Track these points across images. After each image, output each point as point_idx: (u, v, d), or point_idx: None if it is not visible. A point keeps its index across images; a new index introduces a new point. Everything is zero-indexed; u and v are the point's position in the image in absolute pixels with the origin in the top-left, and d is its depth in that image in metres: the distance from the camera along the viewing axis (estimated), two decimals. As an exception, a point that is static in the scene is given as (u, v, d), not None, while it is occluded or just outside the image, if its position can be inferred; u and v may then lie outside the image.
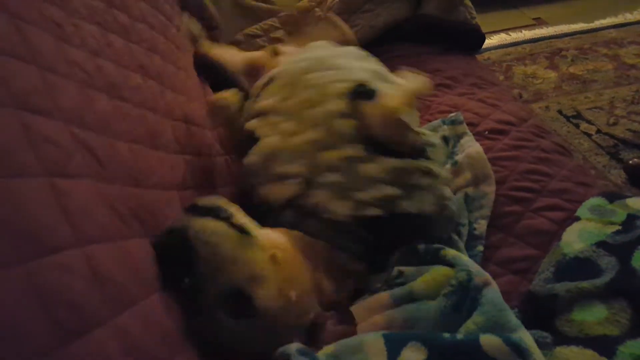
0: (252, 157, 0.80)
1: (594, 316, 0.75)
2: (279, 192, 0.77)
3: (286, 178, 0.76)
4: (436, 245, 0.79)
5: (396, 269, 0.77)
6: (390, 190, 0.75)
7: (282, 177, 0.77)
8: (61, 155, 0.51)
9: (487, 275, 0.71)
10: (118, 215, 0.56)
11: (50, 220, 0.45)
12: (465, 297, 0.68)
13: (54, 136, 0.51)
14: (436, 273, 0.73)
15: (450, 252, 0.77)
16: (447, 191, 0.87)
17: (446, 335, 0.63)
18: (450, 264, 0.75)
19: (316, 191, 0.75)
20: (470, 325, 0.64)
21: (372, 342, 0.61)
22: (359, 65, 0.87)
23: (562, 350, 0.71)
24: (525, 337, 0.62)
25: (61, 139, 0.52)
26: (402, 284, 0.75)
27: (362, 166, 0.75)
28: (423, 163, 0.79)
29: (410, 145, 0.79)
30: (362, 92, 0.78)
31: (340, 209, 0.74)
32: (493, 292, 0.67)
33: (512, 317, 0.65)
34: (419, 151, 0.81)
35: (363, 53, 0.93)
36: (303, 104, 0.79)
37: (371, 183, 0.75)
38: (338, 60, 0.85)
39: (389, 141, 0.77)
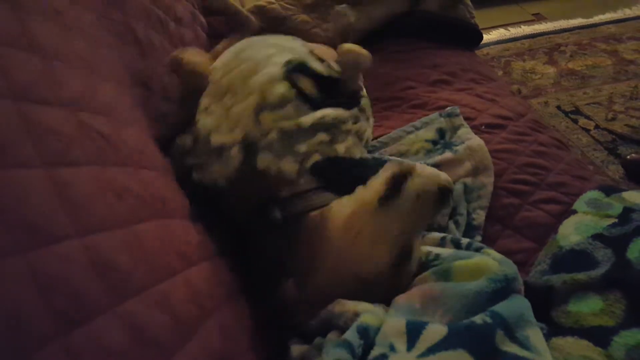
0: (186, 137, 0.81)
1: (589, 307, 0.75)
2: (219, 169, 0.78)
3: (224, 150, 0.78)
4: (479, 244, 0.81)
5: (433, 252, 0.78)
6: (324, 137, 0.81)
7: (220, 150, 0.78)
8: (63, 144, 0.51)
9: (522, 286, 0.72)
10: (125, 200, 0.55)
11: (49, 211, 0.46)
12: (506, 289, 0.68)
13: (56, 125, 0.51)
14: (480, 260, 0.73)
15: (493, 252, 0.77)
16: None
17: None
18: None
19: (260, 155, 0.77)
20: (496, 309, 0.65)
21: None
22: (290, 44, 0.92)
23: (557, 341, 0.72)
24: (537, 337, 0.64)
25: (64, 126, 0.52)
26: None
27: (298, 121, 0.79)
28: (354, 112, 0.88)
29: (355, 89, 0.88)
30: (296, 64, 0.84)
31: (288, 165, 0.77)
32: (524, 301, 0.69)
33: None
34: (356, 100, 0.91)
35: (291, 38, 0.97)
36: (239, 77, 0.82)
37: (308, 134, 0.80)
38: (269, 40, 0.91)
39: (346, 77, 0.87)
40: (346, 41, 0.97)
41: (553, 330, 0.74)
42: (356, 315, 0.65)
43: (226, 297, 0.67)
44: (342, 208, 0.74)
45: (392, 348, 0.60)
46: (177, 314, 0.54)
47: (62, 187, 0.48)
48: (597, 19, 2.82)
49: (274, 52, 0.85)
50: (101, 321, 0.45)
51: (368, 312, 0.65)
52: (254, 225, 0.81)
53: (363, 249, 0.70)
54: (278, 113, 0.78)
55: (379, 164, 0.88)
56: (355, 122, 0.88)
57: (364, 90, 0.99)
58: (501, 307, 0.64)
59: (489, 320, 0.62)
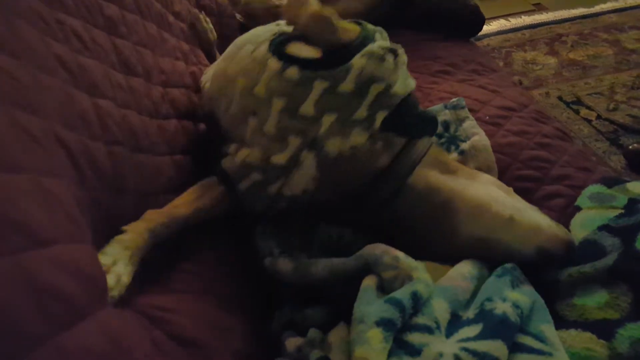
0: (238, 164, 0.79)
1: (594, 301, 0.75)
2: (300, 178, 0.77)
3: (293, 162, 0.76)
4: None
5: None
6: (378, 87, 0.75)
7: (290, 163, 0.76)
8: (44, 155, 0.51)
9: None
10: (92, 221, 0.56)
11: (39, 216, 0.46)
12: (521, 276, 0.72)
13: (40, 135, 0.51)
14: None
15: None
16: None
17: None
18: None
19: (327, 143, 0.75)
20: (514, 295, 0.67)
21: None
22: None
23: (560, 334, 0.71)
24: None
25: (45, 138, 0.52)
26: None
27: (337, 89, 0.74)
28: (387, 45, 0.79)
29: (340, 41, 0.77)
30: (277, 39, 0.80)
31: (357, 137, 0.75)
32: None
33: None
34: (364, 41, 0.79)
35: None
36: (244, 94, 0.79)
37: (356, 95, 0.74)
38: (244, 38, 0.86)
39: (320, 39, 0.76)
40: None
41: (557, 323, 0.73)
42: (410, 278, 0.66)
43: (209, 292, 0.68)
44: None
45: (437, 324, 0.62)
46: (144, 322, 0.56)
47: (47, 194, 0.48)
48: (598, 8, 2.81)
49: (251, 47, 0.81)
50: (85, 326, 0.45)
51: (423, 282, 0.66)
52: (349, 214, 0.79)
53: None
54: (311, 96, 0.73)
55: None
56: (393, 51, 0.78)
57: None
58: (520, 301, 0.66)
59: (514, 311, 0.64)
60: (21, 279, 0.41)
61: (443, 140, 1.08)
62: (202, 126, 0.92)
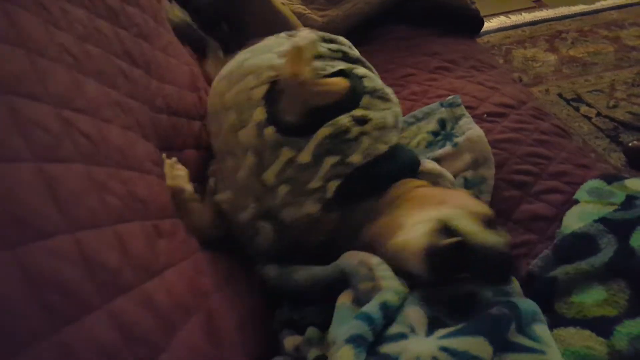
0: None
1: (592, 298, 0.75)
2: (261, 241, 0.78)
3: (253, 225, 0.78)
4: None
5: None
6: (332, 159, 0.74)
7: (251, 225, 0.78)
8: (51, 140, 0.50)
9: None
10: (109, 200, 0.55)
11: (40, 206, 0.45)
12: None
13: (44, 120, 0.50)
14: None
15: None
16: (389, 137, 0.81)
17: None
18: None
19: (282, 214, 0.76)
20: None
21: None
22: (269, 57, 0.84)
23: (559, 332, 0.71)
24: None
25: (51, 123, 0.51)
26: None
27: (296, 159, 0.74)
28: (355, 112, 0.77)
29: (331, 98, 0.76)
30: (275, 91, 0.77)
31: (310, 207, 0.75)
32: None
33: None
34: (352, 98, 0.78)
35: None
36: (228, 134, 0.80)
37: (312, 166, 0.74)
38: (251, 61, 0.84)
39: (309, 104, 0.75)
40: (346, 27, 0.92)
41: (555, 321, 0.73)
42: (378, 289, 0.64)
43: (210, 293, 0.67)
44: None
45: (412, 329, 0.60)
46: (161, 313, 0.54)
47: (52, 182, 0.47)
48: (598, 5, 2.79)
49: (253, 82, 0.79)
50: (92, 319, 0.44)
51: (391, 290, 0.64)
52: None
53: None
54: (275, 164, 0.74)
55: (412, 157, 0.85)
56: (361, 121, 0.77)
57: (369, 69, 0.90)
58: (518, 301, 0.65)
59: (505, 311, 0.62)
60: (21, 272, 0.40)
61: (439, 137, 1.08)
62: (195, 124, 0.91)
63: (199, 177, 0.85)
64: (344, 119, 0.75)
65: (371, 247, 0.71)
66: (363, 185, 0.76)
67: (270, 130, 0.74)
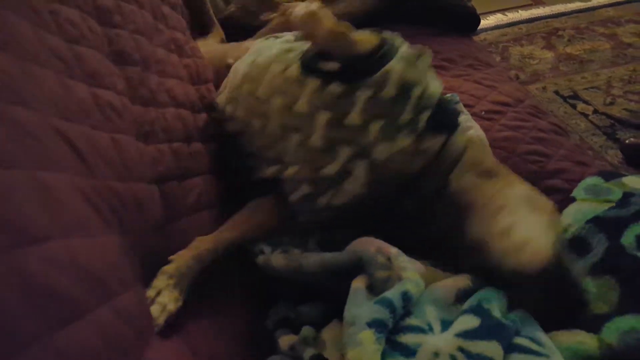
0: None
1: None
2: (350, 186, 0.78)
3: (343, 171, 0.78)
4: None
5: None
6: (419, 90, 0.76)
7: (340, 173, 0.78)
8: (41, 148, 0.50)
9: None
10: (96, 211, 0.55)
11: (32, 212, 0.45)
12: None
13: (34, 129, 0.50)
14: None
15: None
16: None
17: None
18: None
19: (375, 150, 0.76)
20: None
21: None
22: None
23: (552, 334, 0.71)
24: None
25: (41, 131, 0.51)
26: None
27: (380, 96, 0.75)
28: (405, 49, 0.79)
29: (358, 54, 0.77)
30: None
31: (403, 141, 0.75)
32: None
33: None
34: (379, 59, 0.77)
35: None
36: (280, 112, 0.81)
37: (399, 99, 0.75)
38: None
39: (338, 54, 0.76)
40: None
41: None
42: (398, 279, 0.66)
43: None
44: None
45: (429, 326, 0.62)
46: (140, 323, 0.55)
47: (43, 190, 0.47)
48: (595, 2, 2.80)
49: (278, 67, 0.82)
50: (80, 325, 0.44)
51: (413, 282, 0.65)
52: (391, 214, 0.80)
53: None
54: (357, 105, 0.74)
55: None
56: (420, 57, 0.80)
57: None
58: (517, 316, 0.67)
59: (511, 322, 0.64)
60: (11, 277, 0.40)
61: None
62: (201, 116, 0.92)
63: (207, 170, 0.86)
64: (406, 52, 0.77)
65: (456, 203, 0.74)
66: (444, 118, 0.79)
67: (334, 86, 0.75)
